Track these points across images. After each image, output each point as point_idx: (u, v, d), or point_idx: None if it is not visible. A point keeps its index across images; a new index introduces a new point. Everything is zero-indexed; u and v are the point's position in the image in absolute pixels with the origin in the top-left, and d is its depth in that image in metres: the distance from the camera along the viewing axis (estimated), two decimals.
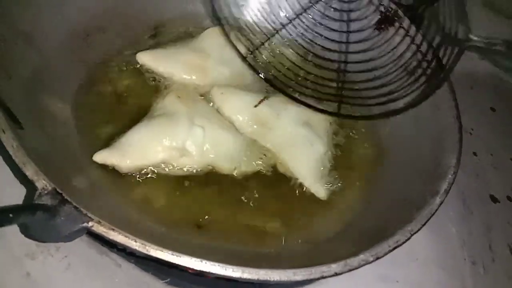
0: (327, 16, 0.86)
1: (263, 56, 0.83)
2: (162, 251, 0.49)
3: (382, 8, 0.84)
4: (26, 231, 0.51)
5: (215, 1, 0.79)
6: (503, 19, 1.20)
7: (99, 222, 0.48)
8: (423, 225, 0.57)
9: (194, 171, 0.70)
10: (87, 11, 0.79)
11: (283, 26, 0.86)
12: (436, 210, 0.59)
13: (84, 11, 0.79)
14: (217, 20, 0.79)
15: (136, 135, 0.68)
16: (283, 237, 0.67)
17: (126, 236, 0.48)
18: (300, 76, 0.81)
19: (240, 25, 0.84)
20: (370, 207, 0.69)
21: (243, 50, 0.80)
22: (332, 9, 0.86)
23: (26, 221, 0.44)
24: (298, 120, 0.76)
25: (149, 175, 0.67)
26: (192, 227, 0.66)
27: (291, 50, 0.87)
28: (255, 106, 0.76)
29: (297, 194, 0.71)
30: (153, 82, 0.80)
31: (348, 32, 0.84)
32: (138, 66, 0.81)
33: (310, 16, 0.87)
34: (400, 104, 0.74)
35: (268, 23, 0.86)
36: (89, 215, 0.48)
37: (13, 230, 0.58)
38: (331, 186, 0.73)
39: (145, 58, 0.80)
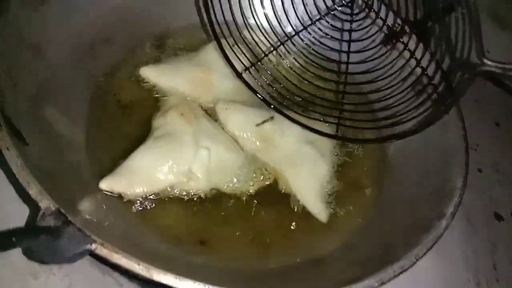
0: (328, 34, 0.84)
1: (259, 73, 0.80)
2: (165, 274, 0.48)
3: (389, 24, 0.83)
4: (29, 253, 0.50)
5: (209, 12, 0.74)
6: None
7: (102, 244, 0.47)
8: (429, 249, 0.57)
9: (199, 192, 0.69)
10: (93, 23, 0.79)
11: (281, 43, 0.84)
12: (442, 233, 0.58)
13: (90, 23, 0.78)
14: (213, 33, 0.75)
15: (141, 159, 0.67)
16: (285, 255, 0.67)
17: (129, 259, 0.47)
18: (299, 96, 0.80)
19: (241, 36, 0.82)
20: (373, 228, 0.69)
21: (239, 67, 0.78)
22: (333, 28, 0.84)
23: (29, 245, 0.43)
24: (302, 138, 0.75)
25: (155, 199, 0.67)
26: (195, 244, 0.66)
27: (290, 66, 0.85)
28: (257, 125, 0.75)
29: (299, 213, 0.71)
30: (157, 95, 0.79)
31: (349, 52, 0.83)
32: (142, 78, 0.81)
33: (310, 33, 0.85)
34: (403, 127, 0.73)
35: (267, 39, 0.84)
36: (93, 237, 0.47)
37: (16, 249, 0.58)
38: (333, 207, 0.72)
39: (148, 73, 0.80)
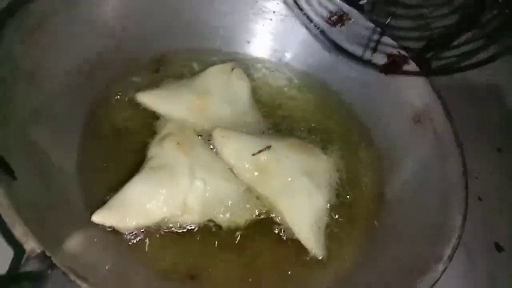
0: None
1: None
2: None
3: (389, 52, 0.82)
4: None
5: None
6: None
7: None
8: None
9: (193, 224, 0.68)
10: (92, 49, 0.78)
11: None
12: (439, 277, 0.57)
13: (89, 48, 0.78)
14: None
15: (135, 191, 0.66)
16: None
17: None
18: None
19: None
20: (369, 266, 0.67)
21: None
22: None
23: None
24: (299, 168, 0.74)
25: (147, 232, 0.66)
26: (185, 278, 0.64)
27: None
28: (253, 154, 0.73)
29: (294, 248, 0.69)
30: (154, 121, 0.78)
31: None
32: (139, 103, 0.80)
33: None
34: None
35: None
36: (78, 282, 0.46)
37: None
38: (328, 242, 0.71)
39: (145, 99, 0.79)
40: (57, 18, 0.71)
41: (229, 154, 0.75)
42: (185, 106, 0.79)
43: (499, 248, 0.90)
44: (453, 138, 0.72)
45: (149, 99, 0.79)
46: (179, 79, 0.85)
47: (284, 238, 0.70)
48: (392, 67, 0.82)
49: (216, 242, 0.68)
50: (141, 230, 0.65)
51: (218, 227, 0.69)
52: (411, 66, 0.80)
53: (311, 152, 0.77)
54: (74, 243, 0.56)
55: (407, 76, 0.79)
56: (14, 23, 0.64)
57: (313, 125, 0.84)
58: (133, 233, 0.65)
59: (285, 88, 0.89)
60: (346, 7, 0.83)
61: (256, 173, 0.74)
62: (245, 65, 0.89)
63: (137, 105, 0.79)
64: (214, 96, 0.81)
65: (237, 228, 0.69)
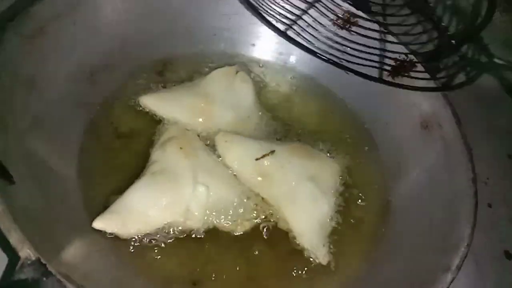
0: None
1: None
2: None
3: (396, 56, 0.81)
4: None
5: None
6: None
7: None
8: None
9: (195, 230, 0.67)
10: (94, 52, 0.77)
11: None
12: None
13: (91, 52, 0.77)
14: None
15: (137, 196, 0.65)
16: None
17: None
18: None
19: None
20: (374, 275, 0.65)
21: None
22: None
23: None
24: (303, 174, 0.72)
25: (148, 238, 0.65)
26: (188, 285, 0.63)
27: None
28: (257, 159, 0.72)
29: (298, 253, 0.68)
30: (156, 125, 0.77)
31: None
32: (141, 106, 0.79)
33: None
34: None
35: None
36: None
37: None
38: (333, 248, 0.69)
39: (148, 102, 0.78)
40: (58, 22, 0.71)
41: (232, 159, 0.74)
42: (188, 109, 0.78)
43: (509, 256, 0.88)
44: (462, 144, 0.70)
45: (152, 102, 0.78)
46: (183, 83, 0.84)
47: (288, 244, 0.69)
48: (400, 71, 0.80)
49: (219, 248, 0.66)
50: (143, 236, 0.64)
51: (221, 232, 0.68)
52: (419, 70, 0.78)
53: (315, 157, 0.76)
54: (73, 250, 0.55)
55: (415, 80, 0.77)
56: (14, 28, 0.63)
57: (317, 129, 0.82)
58: (134, 240, 0.64)
59: (290, 92, 0.87)
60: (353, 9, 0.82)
61: (259, 178, 0.72)
62: (250, 68, 0.87)
63: (140, 108, 0.78)
64: (218, 100, 0.80)
65: (240, 234, 0.68)
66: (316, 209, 0.70)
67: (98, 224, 0.62)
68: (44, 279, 0.45)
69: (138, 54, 0.83)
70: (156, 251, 0.64)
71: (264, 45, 0.90)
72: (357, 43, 0.78)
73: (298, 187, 0.71)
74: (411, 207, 0.72)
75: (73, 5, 0.73)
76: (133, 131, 0.76)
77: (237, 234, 0.68)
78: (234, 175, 0.73)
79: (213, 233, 0.68)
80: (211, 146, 0.76)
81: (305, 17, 0.81)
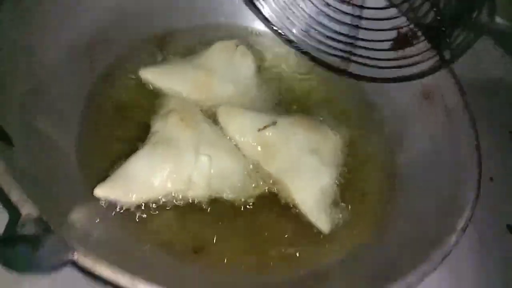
0: None
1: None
2: (152, 286, 0.45)
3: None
4: (4, 263, 0.47)
5: None
6: None
7: (84, 255, 0.44)
8: (437, 266, 0.53)
9: (197, 199, 0.66)
10: (93, 23, 0.76)
11: None
12: (452, 249, 0.55)
13: (90, 23, 0.76)
14: None
15: (139, 165, 0.64)
16: (284, 266, 0.64)
17: (113, 271, 0.44)
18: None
19: None
20: (379, 242, 0.65)
21: None
22: None
23: (5, 255, 0.41)
24: (306, 146, 0.71)
25: (150, 206, 0.64)
26: (189, 252, 0.63)
27: None
28: (259, 130, 0.72)
29: (300, 223, 0.67)
30: (157, 98, 0.77)
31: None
32: (141, 80, 0.78)
33: None
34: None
35: None
36: (75, 246, 0.44)
37: None
38: (336, 218, 0.68)
39: (148, 75, 0.77)
40: None
41: (234, 130, 0.73)
42: (189, 83, 0.78)
43: (511, 230, 0.87)
44: (466, 113, 0.70)
45: (152, 75, 0.78)
46: (183, 56, 0.83)
47: (290, 214, 0.68)
48: (402, 42, 0.80)
49: (221, 218, 0.66)
50: (144, 204, 0.64)
51: (224, 202, 0.67)
52: (422, 40, 0.78)
53: (318, 129, 0.75)
54: (74, 215, 0.55)
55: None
56: None
57: (320, 102, 0.82)
58: (135, 208, 0.63)
59: (292, 65, 0.86)
60: None
61: (261, 149, 0.72)
62: (251, 42, 0.87)
63: (140, 81, 0.78)
64: (219, 74, 0.79)
65: (242, 204, 0.68)
66: (318, 180, 0.70)
67: (99, 191, 0.62)
68: (46, 235, 0.44)
69: (138, 27, 0.83)
70: (157, 219, 0.64)
71: None
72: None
73: (300, 158, 0.71)
74: (416, 175, 0.71)
75: None
76: (133, 104, 0.76)
77: (240, 204, 0.68)
78: (237, 146, 0.72)
79: (216, 203, 0.67)
80: (213, 119, 0.75)
81: None
